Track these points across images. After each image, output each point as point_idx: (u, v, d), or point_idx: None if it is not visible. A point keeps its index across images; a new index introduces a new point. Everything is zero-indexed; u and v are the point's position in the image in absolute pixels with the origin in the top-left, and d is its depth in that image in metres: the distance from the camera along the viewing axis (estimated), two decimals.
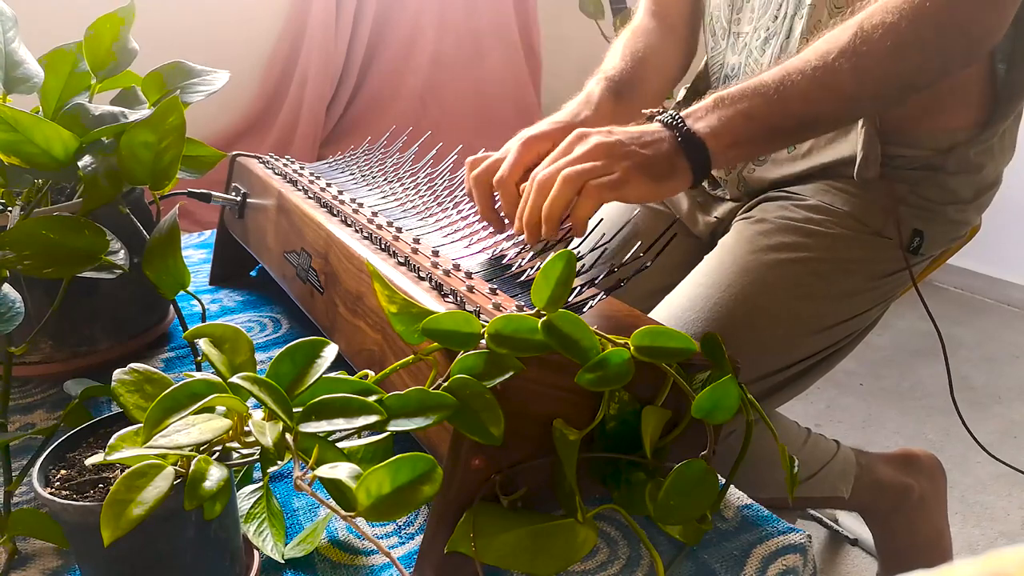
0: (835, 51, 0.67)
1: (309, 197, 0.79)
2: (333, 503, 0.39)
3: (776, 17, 0.84)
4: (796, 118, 0.68)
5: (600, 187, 0.62)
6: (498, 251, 0.68)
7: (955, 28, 0.67)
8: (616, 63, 0.91)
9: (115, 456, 0.40)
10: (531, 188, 0.65)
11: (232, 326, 0.48)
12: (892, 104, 0.75)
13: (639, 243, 0.64)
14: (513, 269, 0.65)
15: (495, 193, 0.73)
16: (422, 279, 0.60)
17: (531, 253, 0.66)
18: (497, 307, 0.54)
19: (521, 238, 0.68)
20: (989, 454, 0.94)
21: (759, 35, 0.86)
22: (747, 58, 0.88)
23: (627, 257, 0.62)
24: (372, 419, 0.42)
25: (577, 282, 0.56)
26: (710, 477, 0.51)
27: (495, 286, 0.58)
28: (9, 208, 0.69)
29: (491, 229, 0.72)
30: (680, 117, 0.67)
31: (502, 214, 0.73)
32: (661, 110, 0.69)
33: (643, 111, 0.70)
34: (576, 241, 0.69)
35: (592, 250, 0.67)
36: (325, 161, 0.96)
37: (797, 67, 0.68)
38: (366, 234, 0.68)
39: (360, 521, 0.38)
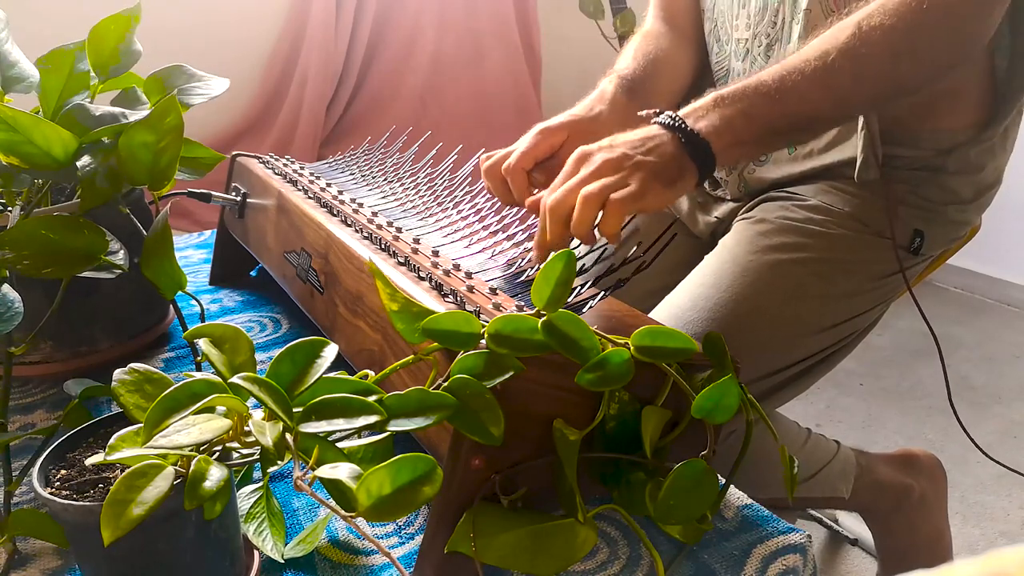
0: (834, 51, 0.67)
1: (309, 197, 0.79)
2: (333, 503, 0.39)
3: (775, 23, 0.84)
4: (794, 117, 0.68)
5: (622, 201, 0.61)
6: (511, 263, 0.67)
7: (949, 32, 0.68)
8: (628, 63, 0.90)
9: (115, 456, 0.40)
10: (544, 214, 0.63)
11: (232, 326, 0.48)
12: (886, 105, 0.76)
13: (639, 243, 0.63)
14: (514, 269, 0.65)
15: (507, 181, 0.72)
16: (422, 279, 0.60)
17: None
18: (497, 307, 0.54)
19: (522, 238, 0.68)
20: (987, 456, 0.94)
21: (760, 41, 0.86)
22: (751, 65, 0.88)
23: (627, 257, 0.62)
24: (372, 419, 0.42)
25: (577, 282, 0.56)
26: (710, 477, 0.51)
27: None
28: (9, 208, 0.69)
29: (492, 229, 0.72)
30: (680, 117, 0.67)
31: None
32: (658, 111, 0.69)
33: (639, 113, 0.70)
34: (576, 241, 0.69)
35: (592, 250, 0.67)
36: (325, 161, 0.96)
37: (796, 66, 0.67)
38: (366, 234, 0.68)
39: (360, 521, 0.38)
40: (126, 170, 0.63)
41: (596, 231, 0.63)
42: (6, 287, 0.57)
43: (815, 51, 0.68)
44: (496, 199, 0.75)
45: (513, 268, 0.65)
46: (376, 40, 2.17)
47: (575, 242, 0.69)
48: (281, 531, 0.53)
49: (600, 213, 0.62)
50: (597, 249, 0.66)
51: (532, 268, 0.64)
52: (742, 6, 0.88)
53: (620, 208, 0.61)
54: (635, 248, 0.62)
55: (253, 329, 0.87)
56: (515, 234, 0.70)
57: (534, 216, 0.71)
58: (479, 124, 2.32)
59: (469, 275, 0.60)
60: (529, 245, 0.68)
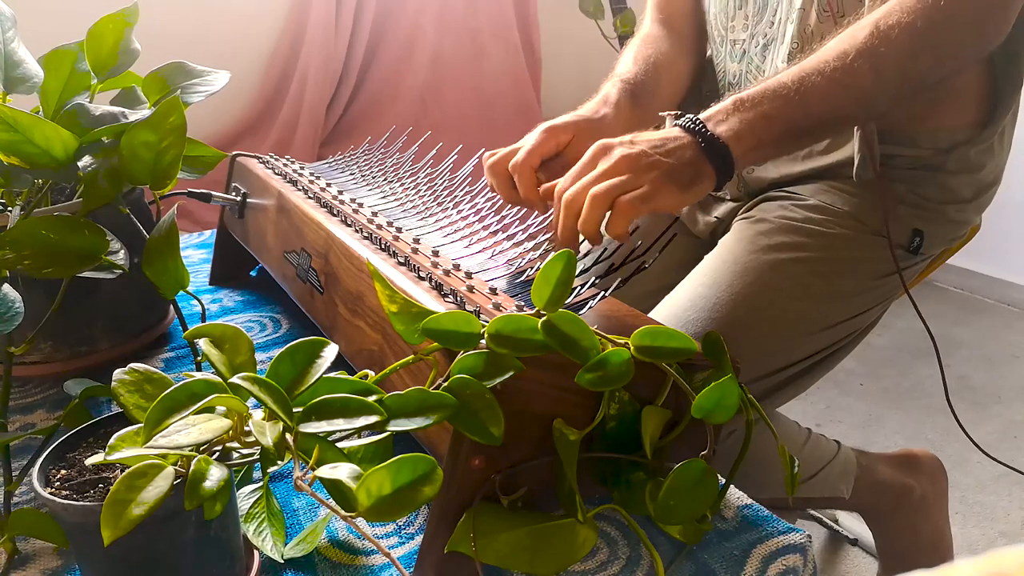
0: (852, 51, 0.67)
1: (309, 197, 0.79)
2: (333, 503, 0.39)
3: (772, 23, 0.84)
4: (816, 118, 0.68)
5: (632, 202, 0.61)
6: (511, 263, 0.67)
7: (968, 27, 0.68)
8: (630, 67, 0.90)
9: (115, 456, 0.40)
10: (559, 207, 0.64)
11: (232, 326, 0.48)
12: (907, 102, 0.75)
13: (639, 243, 0.63)
14: (514, 269, 0.65)
15: (513, 179, 0.73)
16: (422, 279, 0.60)
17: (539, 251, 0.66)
18: (497, 307, 0.54)
19: (523, 238, 0.68)
20: (987, 455, 0.94)
21: (757, 41, 0.86)
22: (748, 65, 0.88)
23: (627, 257, 0.62)
24: (372, 419, 0.42)
25: (577, 282, 0.56)
26: (710, 477, 0.51)
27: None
28: (9, 208, 0.69)
29: (492, 229, 0.72)
30: (701, 121, 0.67)
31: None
32: (678, 113, 0.68)
33: (660, 113, 0.70)
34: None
35: (592, 250, 0.67)
36: (325, 161, 0.96)
37: (815, 67, 0.67)
38: (366, 234, 0.68)
39: (360, 521, 0.38)
40: (128, 170, 0.63)
41: (603, 231, 0.63)
42: (6, 287, 0.57)
43: (833, 52, 0.68)
44: (496, 198, 0.75)
45: (513, 268, 0.65)
46: (376, 40, 2.17)
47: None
48: (281, 531, 0.53)
49: (608, 213, 0.62)
50: (597, 249, 0.66)
51: (532, 268, 0.64)
52: (739, 7, 0.88)
53: (628, 210, 0.61)
54: (635, 248, 0.62)
55: (253, 329, 0.87)
56: (515, 234, 0.70)
57: (535, 215, 0.71)
58: (479, 124, 2.32)
59: (469, 275, 0.60)
60: (529, 245, 0.68)
